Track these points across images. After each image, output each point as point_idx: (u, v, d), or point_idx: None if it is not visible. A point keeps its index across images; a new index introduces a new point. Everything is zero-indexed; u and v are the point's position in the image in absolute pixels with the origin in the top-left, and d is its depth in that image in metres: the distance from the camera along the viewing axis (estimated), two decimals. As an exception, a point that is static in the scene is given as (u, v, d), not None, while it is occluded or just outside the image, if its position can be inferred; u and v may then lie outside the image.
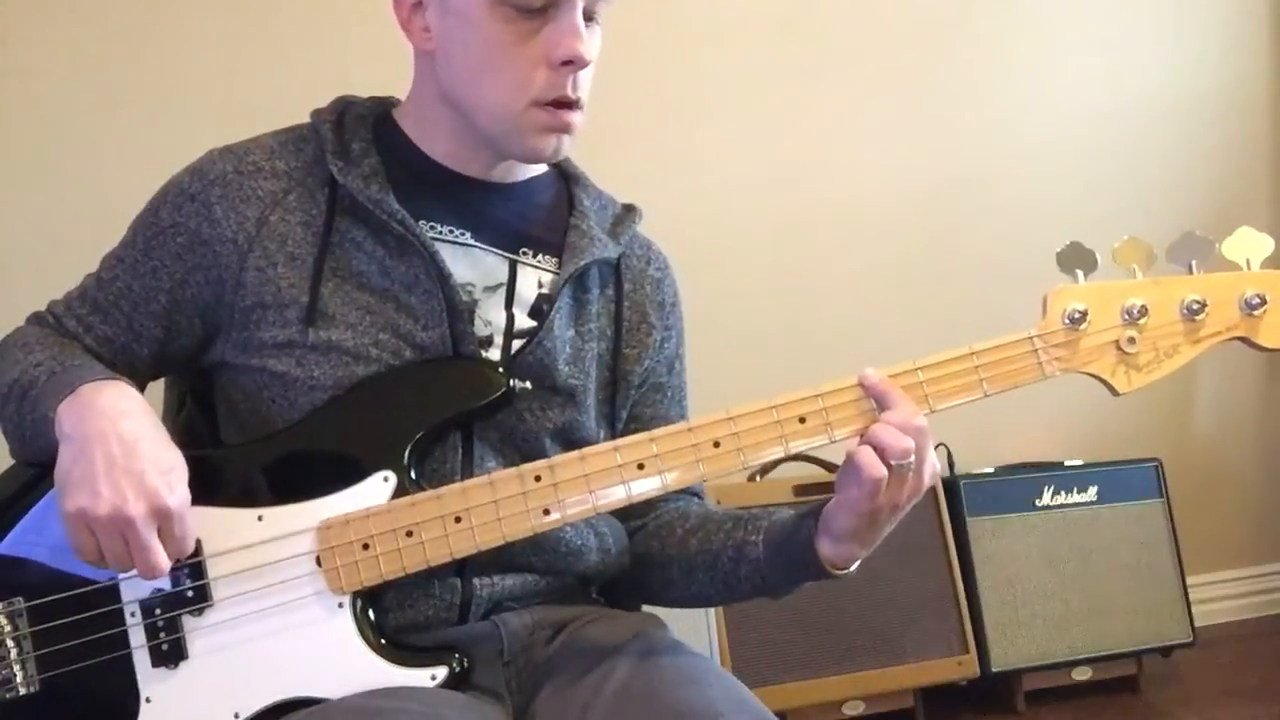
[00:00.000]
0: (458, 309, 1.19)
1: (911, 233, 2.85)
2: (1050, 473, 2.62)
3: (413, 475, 1.14)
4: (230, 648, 1.11)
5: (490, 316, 1.22)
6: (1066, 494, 2.60)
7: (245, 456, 1.18)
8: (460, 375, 1.19)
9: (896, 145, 2.86)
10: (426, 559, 1.11)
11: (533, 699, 1.18)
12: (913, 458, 1.08)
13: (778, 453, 1.13)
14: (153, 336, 1.22)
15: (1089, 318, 1.14)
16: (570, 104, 1.17)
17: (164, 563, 1.04)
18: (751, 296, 2.73)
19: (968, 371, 1.14)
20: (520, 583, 1.22)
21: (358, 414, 1.16)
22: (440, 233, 1.22)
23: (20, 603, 1.12)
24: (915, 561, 2.44)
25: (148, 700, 1.11)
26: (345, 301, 1.18)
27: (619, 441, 1.14)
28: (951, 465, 2.61)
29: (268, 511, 1.13)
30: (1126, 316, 1.15)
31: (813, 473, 2.40)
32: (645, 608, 1.37)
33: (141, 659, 1.11)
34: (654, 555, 1.30)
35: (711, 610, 2.27)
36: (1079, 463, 2.65)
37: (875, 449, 1.08)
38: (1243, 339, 1.17)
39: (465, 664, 1.12)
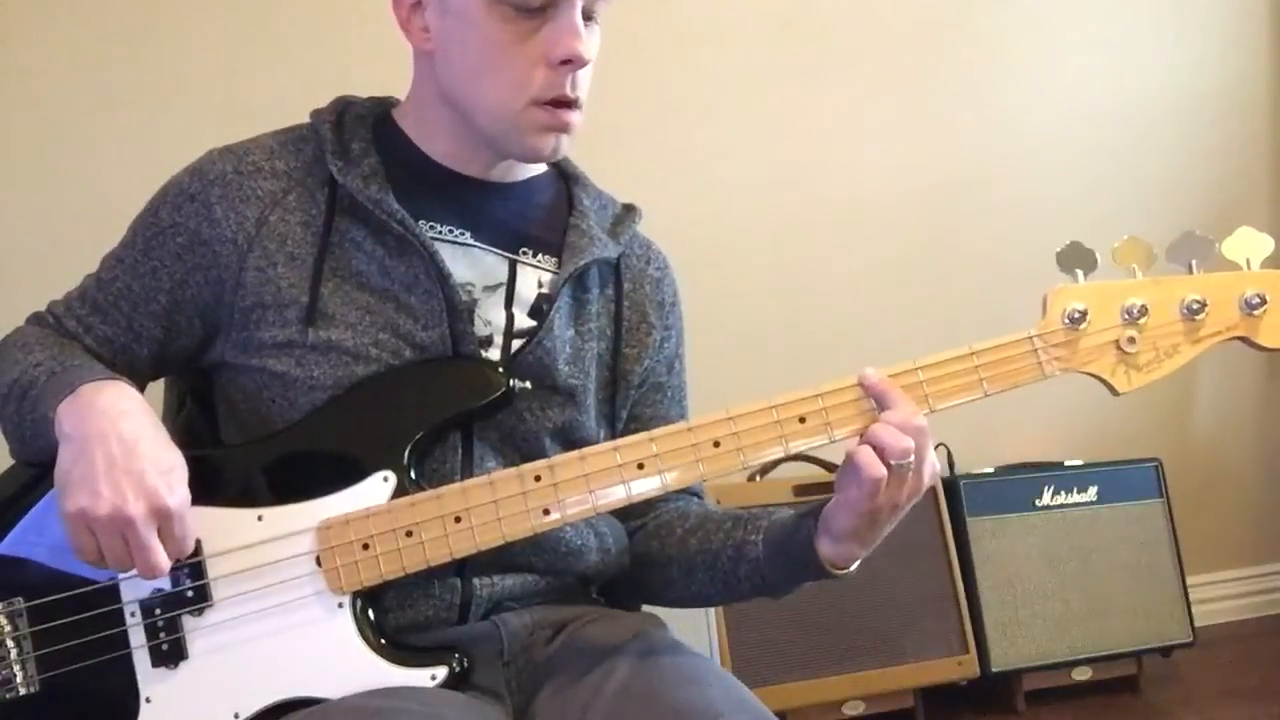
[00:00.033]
0: (457, 309, 1.19)
1: (911, 233, 2.85)
2: (1050, 473, 2.62)
3: (412, 475, 1.14)
4: (230, 648, 1.11)
5: (490, 316, 1.22)
6: (1066, 494, 2.60)
7: (245, 456, 1.18)
8: (460, 375, 1.19)
9: (896, 145, 2.86)
10: (426, 559, 1.11)
11: (533, 699, 1.18)
12: (912, 457, 1.08)
13: (778, 453, 1.13)
14: (152, 337, 1.22)
15: (1089, 317, 1.14)
16: (569, 103, 1.17)
17: (164, 563, 1.04)
18: (751, 296, 2.73)
19: (968, 371, 1.14)
20: (520, 583, 1.22)
21: (357, 414, 1.16)
22: (440, 232, 1.22)
23: (20, 603, 1.12)
24: (915, 561, 2.44)
25: (148, 700, 1.11)
26: (345, 301, 1.18)
27: (619, 441, 1.14)
28: (951, 465, 2.61)
29: (268, 511, 1.13)
30: (1126, 316, 1.15)
31: (813, 473, 2.40)
32: (645, 608, 1.37)
33: (141, 659, 1.11)
34: (654, 555, 1.30)
35: (711, 610, 2.27)
36: (1079, 463, 2.65)
37: (875, 449, 1.08)
38: (1243, 339, 1.17)
39: (465, 664, 1.12)
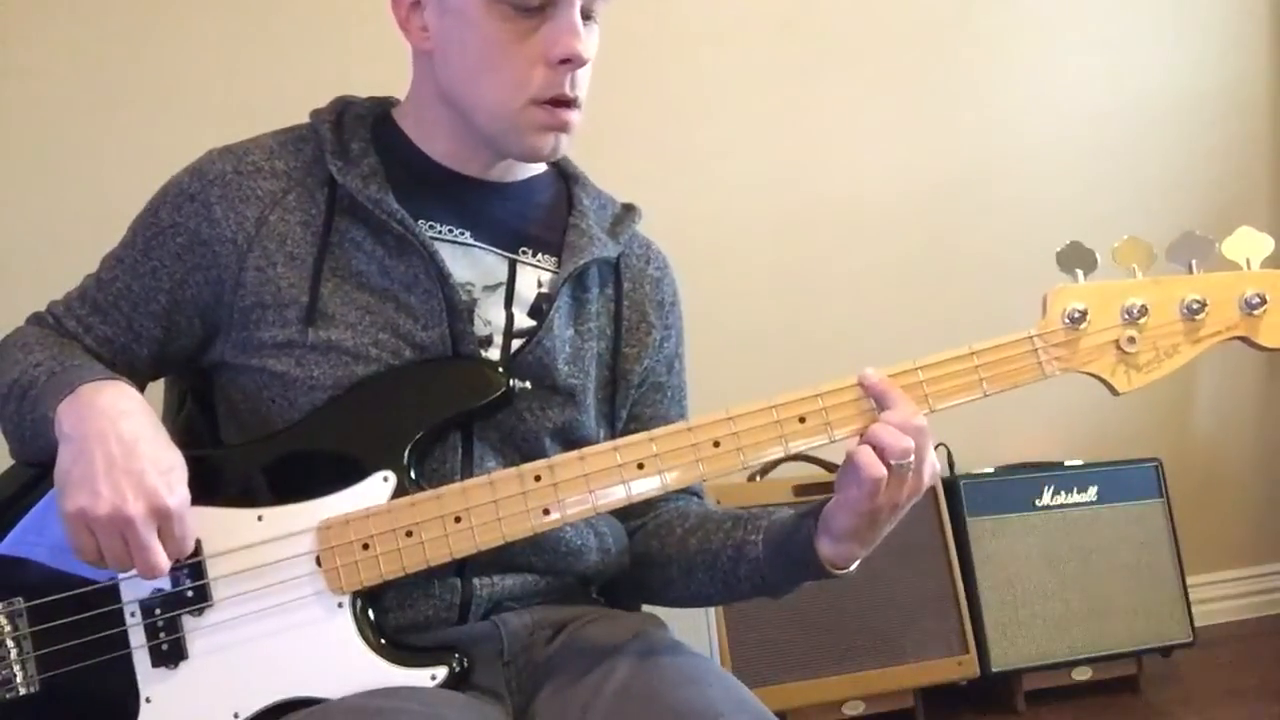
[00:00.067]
0: (457, 308, 1.19)
1: (911, 233, 2.85)
2: (1050, 473, 2.62)
3: (412, 475, 1.14)
4: (230, 648, 1.11)
5: (490, 316, 1.22)
6: (1066, 494, 2.60)
7: (245, 456, 1.18)
8: (460, 375, 1.19)
9: (896, 145, 2.86)
10: (426, 559, 1.11)
11: (533, 699, 1.18)
12: (912, 457, 1.08)
13: (778, 453, 1.13)
14: (152, 337, 1.22)
15: (1089, 317, 1.14)
16: (568, 102, 1.17)
17: (163, 562, 1.04)
18: (751, 296, 2.73)
19: (968, 371, 1.14)
20: (520, 583, 1.22)
21: (357, 414, 1.16)
22: (439, 232, 1.22)
23: (20, 603, 1.12)
24: (915, 561, 2.44)
25: (148, 700, 1.11)
26: (345, 301, 1.18)
27: (619, 441, 1.14)
28: (951, 465, 2.61)
29: (268, 511, 1.13)
30: (1126, 316, 1.15)
31: (813, 473, 2.40)
32: (645, 608, 1.37)
33: (141, 659, 1.11)
34: (653, 555, 1.30)
35: (711, 610, 2.27)
36: (1079, 463, 2.65)
37: (875, 449, 1.08)
38: (1243, 338, 1.17)
39: (465, 664, 1.12)
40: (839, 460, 1.12)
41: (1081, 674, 2.55)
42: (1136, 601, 2.58)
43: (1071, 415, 2.85)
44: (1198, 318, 1.15)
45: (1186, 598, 2.62)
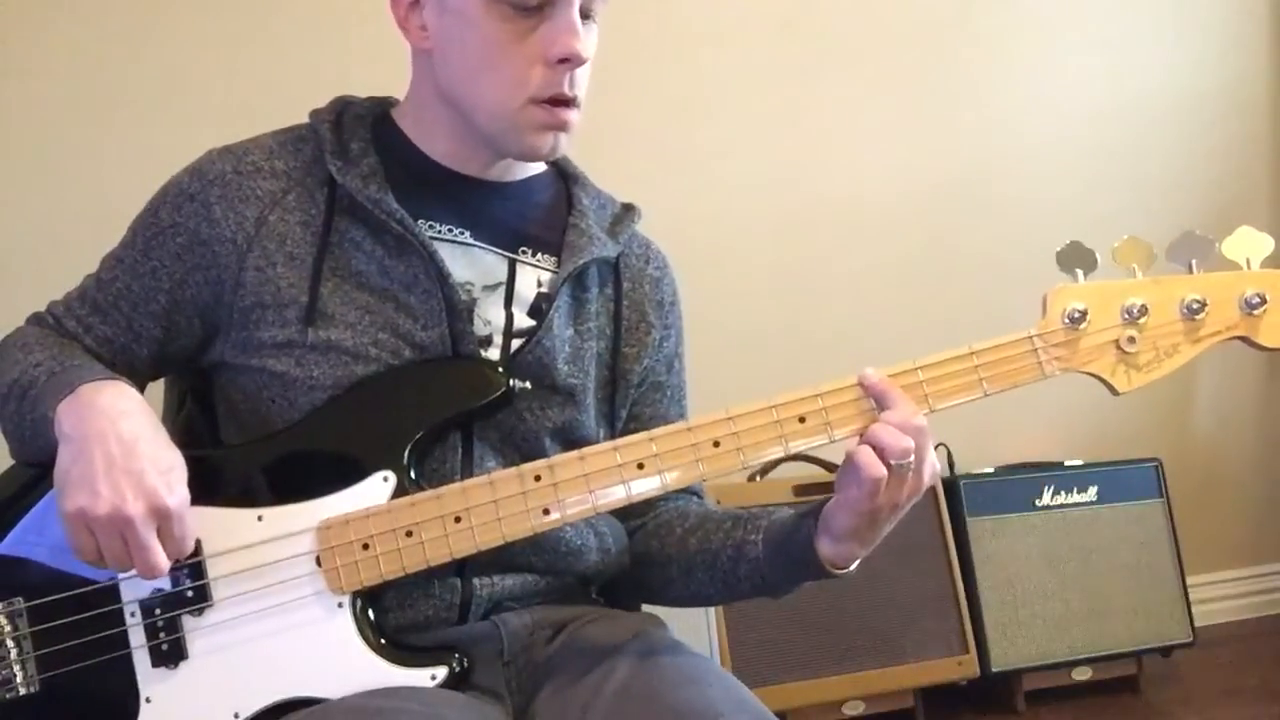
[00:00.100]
0: (457, 308, 1.19)
1: (911, 233, 2.85)
2: (1050, 473, 2.62)
3: (412, 475, 1.14)
4: (230, 648, 1.11)
5: (489, 315, 1.22)
6: (1066, 494, 2.60)
7: (245, 456, 1.18)
8: (460, 375, 1.19)
9: (896, 145, 2.86)
10: (426, 559, 1.11)
11: (533, 699, 1.18)
12: (912, 457, 1.08)
13: (777, 452, 1.13)
14: (152, 337, 1.22)
15: (1089, 317, 1.14)
16: (567, 101, 1.17)
17: (163, 562, 1.04)
18: (751, 296, 2.73)
19: (968, 371, 1.14)
20: (520, 583, 1.22)
21: (357, 414, 1.16)
22: (439, 232, 1.22)
23: (20, 603, 1.12)
24: (915, 561, 2.44)
25: (148, 700, 1.11)
26: (344, 301, 1.18)
27: (619, 441, 1.14)
28: (951, 465, 2.61)
29: (267, 511, 1.13)
30: (1126, 316, 1.15)
31: (813, 473, 2.40)
32: (645, 607, 1.37)
33: (141, 659, 1.11)
34: (653, 554, 1.30)
35: (711, 610, 2.27)
36: (1079, 463, 2.65)
37: (875, 449, 1.07)
38: (1243, 338, 1.17)
39: (465, 664, 1.12)
40: (839, 460, 1.12)
41: (1081, 674, 2.55)
42: (1136, 601, 2.58)
43: (1071, 415, 2.85)
44: (1198, 317, 1.15)
45: (1186, 598, 2.62)
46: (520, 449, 1.21)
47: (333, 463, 1.14)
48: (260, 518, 1.12)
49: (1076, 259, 1.16)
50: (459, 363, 1.19)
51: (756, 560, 1.21)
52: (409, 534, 1.11)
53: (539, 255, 1.27)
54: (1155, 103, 3.04)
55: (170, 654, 1.11)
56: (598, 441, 1.24)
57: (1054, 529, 2.57)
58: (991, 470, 2.63)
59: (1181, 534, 2.65)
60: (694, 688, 1.10)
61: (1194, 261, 1.16)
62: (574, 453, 1.13)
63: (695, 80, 2.72)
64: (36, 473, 1.14)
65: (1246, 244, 1.16)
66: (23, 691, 1.11)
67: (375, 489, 1.13)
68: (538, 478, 1.12)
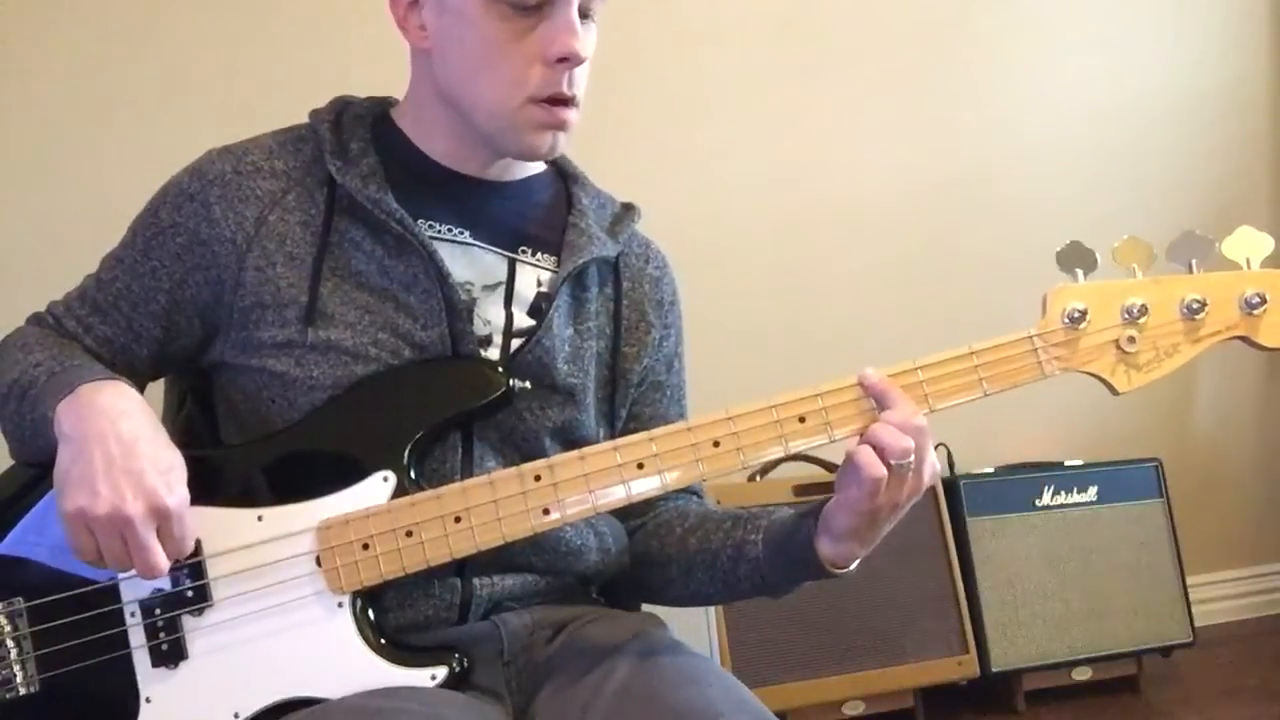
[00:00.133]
0: (456, 308, 1.19)
1: (911, 233, 2.85)
2: (1050, 473, 2.62)
3: (412, 475, 1.14)
4: (230, 648, 1.11)
5: (489, 315, 1.22)
6: (1066, 494, 2.59)
7: (245, 456, 1.18)
8: (460, 375, 1.19)
9: (896, 145, 2.86)
10: (426, 559, 1.11)
11: (533, 699, 1.18)
12: (913, 457, 1.08)
13: (777, 452, 1.13)
14: (152, 337, 1.22)
15: (1089, 317, 1.14)
16: (566, 101, 1.17)
17: (163, 562, 1.04)
18: (751, 296, 2.73)
19: (967, 371, 1.14)
20: (520, 583, 1.22)
21: (357, 414, 1.16)
22: (439, 231, 1.22)
23: (20, 603, 1.12)
24: (915, 561, 2.43)
25: (148, 700, 1.11)
26: (344, 301, 1.18)
27: (618, 441, 1.14)
28: (951, 465, 2.61)
29: (267, 511, 1.13)
30: (1126, 316, 1.15)
31: (813, 473, 2.40)
32: (645, 607, 1.37)
33: (141, 659, 1.11)
34: (653, 554, 1.30)
35: (711, 610, 2.27)
36: (1079, 463, 2.65)
37: (875, 449, 1.07)
38: (1242, 338, 1.17)
39: (465, 664, 1.12)
40: (839, 460, 1.12)
41: (1081, 674, 2.55)
42: (1136, 601, 2.58)
43: (1071, 415, 2.85)
44: (1198, 317, 1.15)
45: (1186, 598, 2.62)
46: (520, 449, 1.21)
47: (333, 463, 1.14)
48: (260, 518, 1.12)
49: (1076, 259, 1.16)
50: (459, 363, 1.19)
51: (756, 560, 1.21)
52: (409, 534, 1.11)
53: (539, 255, 1.27)
54: (1155, 103, 3.04)
55: (170, 654, 1.11)
56: (598, 441, 1.24)
57: (1054, 529, 2.57)
58: (991, 470, 2.63)
59: (1181, 534, 2.65)
60: (694, 688, 1.10)
61: (1194, 261, 1.16)
62: (574, 453, 1.13)
63: (695, 80, 2.72)
64: (36, 473, 1.14)
65: (1246, 244, 1.16)
66: (23, 691, 1.11)
67: (375, 489, 1.13)
68: (538, 478, 1.12)
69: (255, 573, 1.11)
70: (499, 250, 1.25)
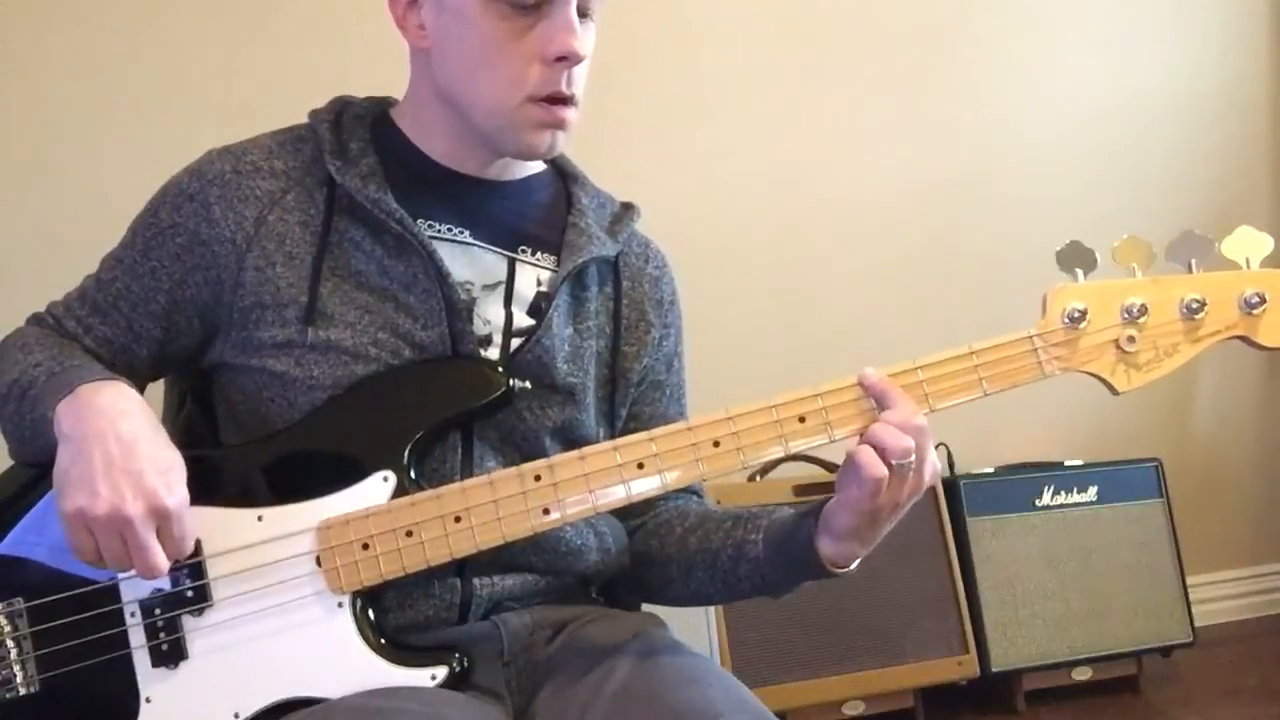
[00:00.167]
0: (456, 307, 1.19)
1: (911, 233, 2.85)
2: (1050, 473, 2.62)
3: (412, 475, 1.14)
4: (230, 648, 1.11)
5: (489, 315, 1.22)
6: (1066, 494, 2.59)
7: (245, 456, 1.18)
8: (460, 375, 1.19)
9: (896, 145, 2.86)
10: (426, 559, 1.11)
11: (533, 699, 1.18)
12: (913, 457, 1.08)
13: (777, 452, 1.13)
14: (152, 337, 1.22)
15: (1088, 317, 1.14)
16: (565, 100, 1.17)
17: (162, 563, 1.04)
18: (751, 296, 2.73)
19: (967, 371, 1.14)
20: (520, 583, 1.22)
21: (357, 414, 1.16)
22: (438, 231, 1.22)
23: (20, 603, 1.12)
24: (915, 561, 2.43)
25: (148, 700, 1.11)
26: (344, 301, 1.18)
27: (618, 441, 1.14)
28: (951, 465, 2.60)
29: (267, 511, 1.13)
30: (1126, 315, 1.15)
31: (813, 473, 2.40)
32: (645, 607, 1.37)
33: (141, 659, 1.11)
34: (653, 554, 1.30)
35: (711, 610, 2.27)
36: (1079, 463, 2.65)
37: (876, 448, 1.07)
38: (1242, 338, 1.17)
39: (465, 664, 1.12)
40: (839, 460, 1.12)
41: (1081, 674, 2.55)
42: (1136, 601, 2.57)
43: (1071, 415, 2.85)
44: (1197, 317, 1.15)
45: (1186, 598, 2.62)
46: (520, 448, 1.21)
47: (333, 463, 1.14)
48: (260, 518, 1.12)
49: (1076, 259, 1.16)
50: (459, 362, 1.19)
51: (757, 560, 1.21)
52: (409, 534, 1.11)
53: (538, 254, 1.27)
54: (1155, 103, 3.04)
55: (170, 654, 1.11)
56: (597, 441, 1.24)
57: (1054, 529, 2.57)
58: (991, 470, 2.63)
59: (1181, 534, 2.65)
60: (694, 688, 1.10)
61: (1193, 261, 1.16)
62: (574, 452, 1.13)
63: (695, 80, 2.72)
64: (36, 473, 1.14)
65: (1246, 243, 1.16)
66: (23, 692, 1.11)
67: (375, 489, 1.13)
68: (538, 477, 1.12)
69: (255, 573, 1.11)
70: (499, 250, 1.25)
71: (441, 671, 1.11)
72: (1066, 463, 2.65)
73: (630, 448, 1.13)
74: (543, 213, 1.29)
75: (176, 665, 1.11)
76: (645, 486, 1.12)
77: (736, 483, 2.42)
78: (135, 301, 1.21)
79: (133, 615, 1.11)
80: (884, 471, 1.07)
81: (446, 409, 1.17)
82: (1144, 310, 1.14)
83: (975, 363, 1.14)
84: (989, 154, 2.93)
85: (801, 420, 1.13)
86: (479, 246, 1.24)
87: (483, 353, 1.21)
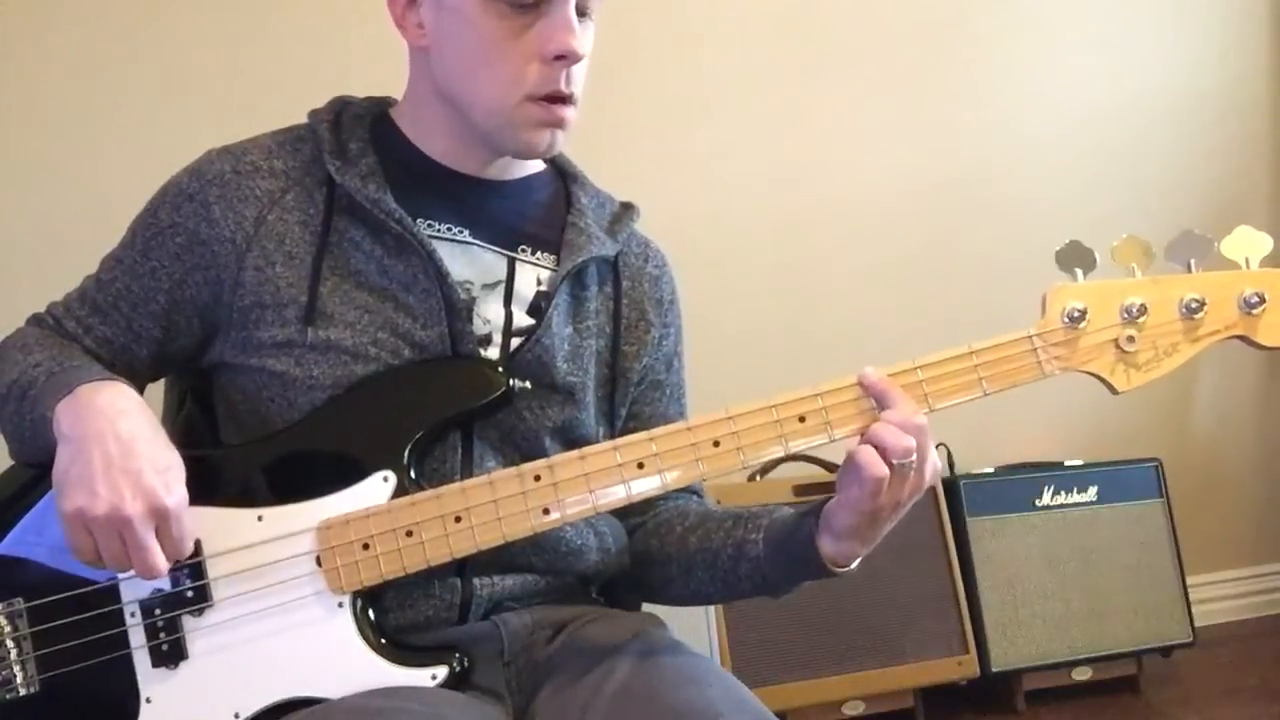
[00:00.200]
0: (456, 307, 1.19)
1: (911, 233, 2.85)
2: (1050, 473, 2.62)
3: (412, 475, 1.14)
4: (230, 648, 1.11)
5: (489, 314, 1.22)
6: (1066, 494, 2.59)
7: (245, 456, 1.18)
8: (460, 375, 1.19)
9: (896, 145, 2.86)
10: (426, 559, 1.11)
11: (533, 699, 1.18)
12: (914, 456, 1.08)
13: (777, 452, 1.13)
14: (152, 337, 1.22)
15: (1088, 316, 1.14)
16: (564, 98, 1.17)
17: (161, 563, 1.04)
18: (751, 296, 2.73)
19: (967, 370, 1.14)
20: (520, 582, 1.22)
21: (357, 414, 1.16)
22: (438, 231, 1.22)
23: (20, 603, 1.12)
24: (915, 561, 2.43)
25: (148, 700, 1.11)
26: (344, 301, 1.18)
27: (618, 441, 1.14)
28: (951, 465, 2.60)
29: (267, 511, 1.13)
30: (1125, 315, 1.15)
31: (813, 473, 2.40)
32: (645, 607, 1.37)
33: (141, 659, 1.11)
34: (653, 553, 1.30)
35: (711, 610, 2.27)
36: (1079, 463, 2.65)
37: (877, 448, 1.07)
38: (1241, 337, 1.17)
39: (466, 664, 1.12)
40: (839, 460, 1.12)
41: (1081, 674, 2.55)
42: (1136, 601, 2.57)
43: (1071, 415, 2.85)
44: (1196, 317, 1.15)
45: (1186, 598, 2.62)
46: (520, 448, 1.22)
47: (333, 463, 1.14)
48: (260, 518, 1.12)
49: (1076, 258, 1.16)
50: (459, 362, 1.19)
51: (757, 559, 1.21)
52: (409, 534, 1.11)
53: (538, 253, 1.27)
54: (1155, 103, 3.04)
55: (170, 654, 1.11)
56: (597, 440, 1.24)
57: (1054, 529, 2.57)
58: (991, 470, 2.63)
59: (1181, 534, 2.65)
60: (694, 688, 1.10)
61: (1193, 261, 1.16)
62: (574, 452, 1.13)
63: (695, 80, 2.72)
64: (36, 473, 1.14)
65: (1245, 243, 1.16)
66: (23, 692, 1.11)
67: (375, 489, 1.13)
68: (538, 477, 1.12)
69: (255, 573, 1.11)
70: (498, 249, 1.25)
71: (442, 671, 1.11)
72: (1066, 463, 2.65)
73: (630, 447, 1.13)
74: (542, 212, 1.30)
75: (176, 665, 1.11)
76: (645, 486, 1.12)
77: (736, 483, 2.42)
78: (135, 301, 1.21)
79: (133, 615, 1.11)
80: (885, 471, 1.07)
81: (446, 409, 1.17)
82: (1143, 310, 1.14)
83: (975, 362, 1.14)
84: (989, 154, 2.92)
85: (801, 420, 1.13)
86: (478, 246, 1.24)
87: (482, 352, 1.21)
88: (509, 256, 1.25)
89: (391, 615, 1.16)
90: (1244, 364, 3.10)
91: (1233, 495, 3.13)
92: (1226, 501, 3.11)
